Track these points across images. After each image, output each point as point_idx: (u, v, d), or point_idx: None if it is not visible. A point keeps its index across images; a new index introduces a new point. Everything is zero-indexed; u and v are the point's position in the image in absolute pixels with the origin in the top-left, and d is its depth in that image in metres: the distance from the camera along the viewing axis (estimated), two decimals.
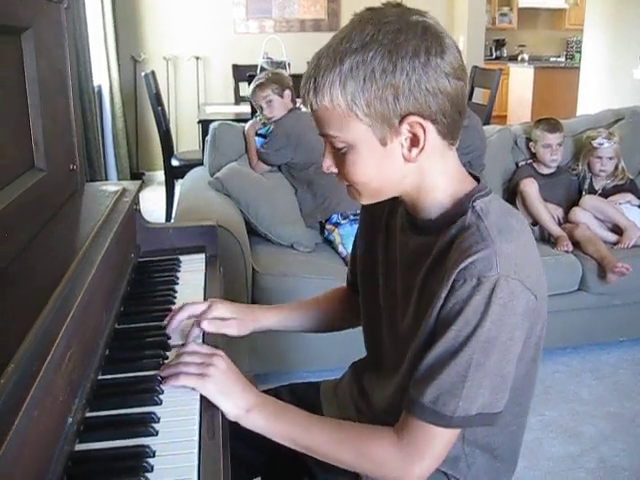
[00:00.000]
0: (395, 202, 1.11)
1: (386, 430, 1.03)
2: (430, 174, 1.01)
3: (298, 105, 3.22)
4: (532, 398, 1.14)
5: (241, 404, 1.07)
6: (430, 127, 0.95)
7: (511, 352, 0.95)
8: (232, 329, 1.30)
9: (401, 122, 0.94)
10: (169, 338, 1.26)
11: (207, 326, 1.25)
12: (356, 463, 1.05)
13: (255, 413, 1.06)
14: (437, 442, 0.98)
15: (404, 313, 1.09)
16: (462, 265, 0.92)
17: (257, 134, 3.22)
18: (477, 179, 1.07)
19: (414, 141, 0.96)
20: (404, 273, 1.09)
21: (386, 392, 1.16)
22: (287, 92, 3.16)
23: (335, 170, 1.03)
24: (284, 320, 1.38)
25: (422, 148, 0.96)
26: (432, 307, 0.97)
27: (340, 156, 1.00)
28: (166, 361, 1.17)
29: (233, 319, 1.30)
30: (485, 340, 0.92)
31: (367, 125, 0.94)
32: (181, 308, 1.28)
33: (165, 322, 1.28)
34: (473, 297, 0.91)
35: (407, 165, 0.98)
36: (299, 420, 1.07)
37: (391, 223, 1.16)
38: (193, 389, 1.08)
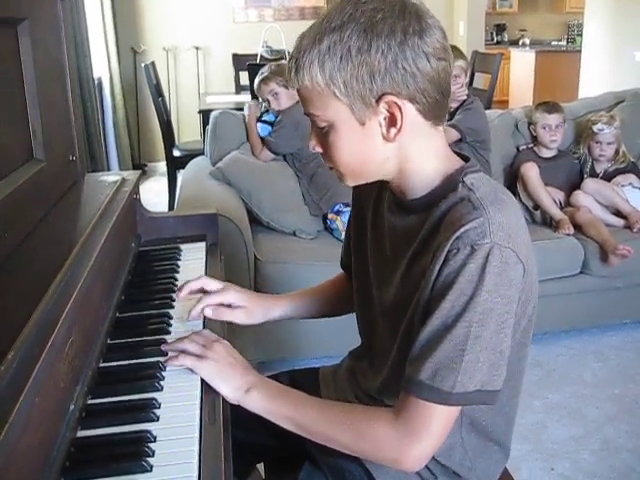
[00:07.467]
0: (382, 184, 1.11)
1: (384, 410, 1.01)
2: (415, 155, 1.01)
3: None
4: (523, 380, 1.13)
5: (240, 384, 1.08)
6: (408, 107, 0.95)
7: (507, 326, 0.94)
8: (239, 318, 1.31)
9: (378, 101, 0.94)
10: (170, 325, 1.27)
11: (209, 313, 1.27)
12: (354, 444, 1.02)
13: (254, 393, 1.07)
14: (435, 421, 0.94)
15: (391, 294, 1.09)
16: (456, 235, 0.91)
17: (260, 120, 3.19)
18: (466, 159, 1.06)
19: (392, 120, 0.96)
20: (393, 254, 1.09)
21: (379, 375, 1.16)
22: None
23: (319, 150, 1.04)
24: (295, 310, 1.39)
25: (400, 128, 0.96)
26: (425, 282, 0.95)
27: (323, 136, 1.01)
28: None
29: (242, 307, 1.31)
30: (481, 312, 0.91)
31: (345, 104, 0.95)
32: (198, 278, 1.32)
33: (177, 289, 1.34)
34: (467, 265, 0.90)
35: (387, 145, 0.98)
36: (298, 400, 1.08)
37: (379, 205, 1.15)
38: (192, 371, 1.09)
